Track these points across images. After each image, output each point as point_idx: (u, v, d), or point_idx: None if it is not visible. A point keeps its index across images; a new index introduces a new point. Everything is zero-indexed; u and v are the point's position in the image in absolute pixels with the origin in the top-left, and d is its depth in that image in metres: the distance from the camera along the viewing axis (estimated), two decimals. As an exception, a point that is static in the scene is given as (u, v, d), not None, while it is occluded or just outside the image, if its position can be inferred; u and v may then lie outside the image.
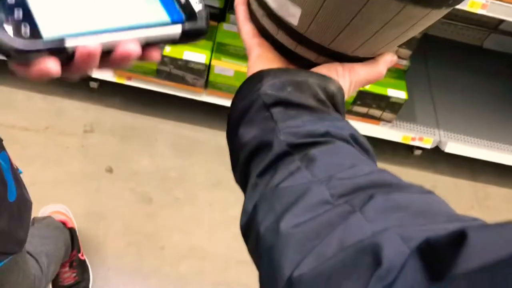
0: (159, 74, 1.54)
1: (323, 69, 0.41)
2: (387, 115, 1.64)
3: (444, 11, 0.38)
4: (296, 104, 0.37)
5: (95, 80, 1.68)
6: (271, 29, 0.43)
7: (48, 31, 0.30)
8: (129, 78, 1.58)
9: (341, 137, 0.36)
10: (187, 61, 1.49)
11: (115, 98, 1.74)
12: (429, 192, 0.30)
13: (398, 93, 1.59)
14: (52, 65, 0.30)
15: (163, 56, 1.47)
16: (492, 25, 2.08)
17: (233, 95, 0.41)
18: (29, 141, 1.56)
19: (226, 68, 1.51)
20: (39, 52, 0.30)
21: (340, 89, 0.40)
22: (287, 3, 0.40)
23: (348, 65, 0.42)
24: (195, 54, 1.49)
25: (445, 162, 1.87)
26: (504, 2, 1.32)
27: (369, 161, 0.35)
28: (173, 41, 0.36)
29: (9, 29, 0.29)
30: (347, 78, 0.42)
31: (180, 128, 1.72)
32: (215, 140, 1.70)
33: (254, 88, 0.38)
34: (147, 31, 0.34)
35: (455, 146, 1.73)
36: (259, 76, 0.39)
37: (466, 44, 2.15)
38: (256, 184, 0.35)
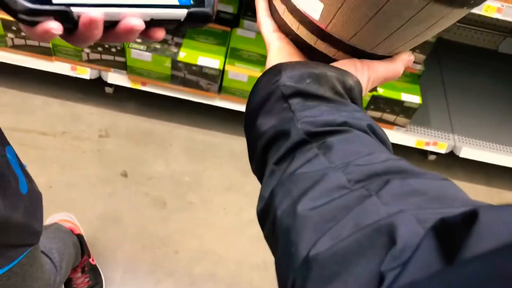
0: (174, 79, 1.56)
1: (342, 64, 0.42)
2: (401, 119, 1.64)
3: (465, 11, 0.39)
4: (314, 96, 0.37)
5: (110, 85, 1.70)
6: (292, 24, 0.44)
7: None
8: (143, 84, 1.60)
9: (359, 127, 0.36)
10: (201, 67, 1.50)
11: (130, 103, 1.76)
12: (445, 179, 0.31)
13: (412, 98, 1.58)
14: (54, 25, 0.32)
15: (177, 62, 1.49)
16: (507, 29, 2.07)
17: (246, 100, 0.42)
18: (46, 145, 1.59)
19: (239, 74, 1.52)
20: (45, 15, 0.32)
21: (358, 83, 0.40)
22: None
23: (366, 62, 0.43)
24: (209, 60, 1.51)
25: (459, 167, 1.86)
26: (519, 5, 1.32)
27: (386, 150, 0.35)
28: (178, 23, 0.37)
29: None
30: (366, 74, 0.42)
31: (194, 133, 1.73)
32: (229, 144, 1.71)
33: (273, 80, 0.39)
34: (153, 9, 0.36)
35: (470, 151, 1.71)
36: (277, 68, 0.40)
37: (481, 48, 2.13)
38: (273, 171, 0.35)
